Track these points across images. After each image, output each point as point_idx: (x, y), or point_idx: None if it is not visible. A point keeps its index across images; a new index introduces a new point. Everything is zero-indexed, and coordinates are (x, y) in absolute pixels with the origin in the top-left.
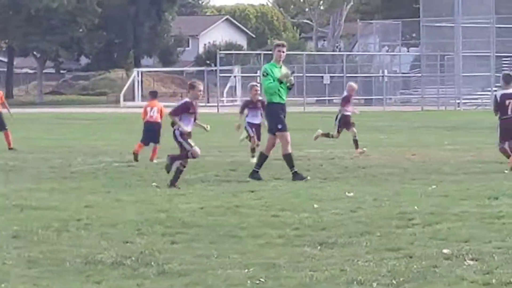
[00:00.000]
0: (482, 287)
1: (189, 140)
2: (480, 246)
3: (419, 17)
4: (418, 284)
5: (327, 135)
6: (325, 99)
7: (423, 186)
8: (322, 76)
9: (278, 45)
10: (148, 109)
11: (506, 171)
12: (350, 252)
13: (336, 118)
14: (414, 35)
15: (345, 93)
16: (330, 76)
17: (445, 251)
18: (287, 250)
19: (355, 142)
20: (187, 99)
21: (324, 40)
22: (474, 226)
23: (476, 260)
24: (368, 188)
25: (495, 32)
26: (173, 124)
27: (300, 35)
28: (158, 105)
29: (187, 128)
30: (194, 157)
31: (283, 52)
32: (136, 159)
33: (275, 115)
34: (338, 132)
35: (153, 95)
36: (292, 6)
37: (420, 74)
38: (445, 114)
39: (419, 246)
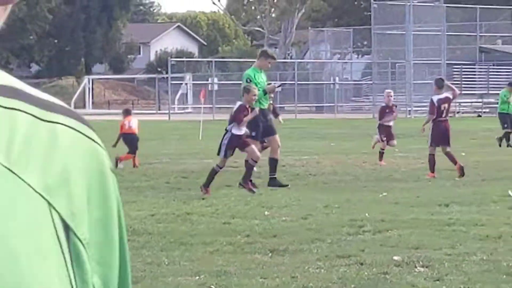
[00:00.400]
0: None
1: (229, 152)
2: (430, 253)
3: (370, 24)
4: None
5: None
6: (276, 107)
7: (374, 193)
8: None
9: (271, 57)
10: (126, 122)
11: (456, 178)
12: (300, 259)
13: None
14: (365, 42)
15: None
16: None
17: (395, 258)
18: (237, 257)
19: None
20: (241, 103)
21: (276, 48)
22: (425, 233)
23: (426, 267)
24: (318, 195)
25: (446, 40)
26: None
27: (251, 42)
28: (134, 119)
29: (240, 131)
30: (220, 167)
31: (270, 64)
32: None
33: (253, 122)
34: (382, 140)
35: (127, 112)
36: (243, 14)
37: (371, 82)
38: (396, 121)
39: (369, 253)
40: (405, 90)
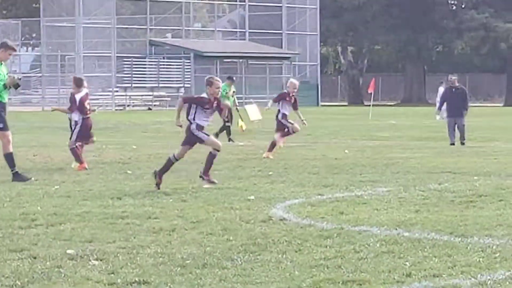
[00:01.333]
0: (107, 286)
1: (205, 131)
2: (104, 246)
3: (39, 16)
4: (42, 285)
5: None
6: None
7: (46, 187)
8: None
9: (12, 49)
10: None
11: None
12: None
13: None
14: (34, 35)
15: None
16: None
17: (69, 251)
18: None
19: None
20: (205, 95)
21: None
22: (98, 226)
23: (100, 260)
24: None
25: (116, 33)
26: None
27: None
28: None
29: (202, 122)
30: (217, 150)
31: (11, 56)
32: None
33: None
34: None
35: None
36: None
37: (40, 74)
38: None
39: (43, 247)
40: None
